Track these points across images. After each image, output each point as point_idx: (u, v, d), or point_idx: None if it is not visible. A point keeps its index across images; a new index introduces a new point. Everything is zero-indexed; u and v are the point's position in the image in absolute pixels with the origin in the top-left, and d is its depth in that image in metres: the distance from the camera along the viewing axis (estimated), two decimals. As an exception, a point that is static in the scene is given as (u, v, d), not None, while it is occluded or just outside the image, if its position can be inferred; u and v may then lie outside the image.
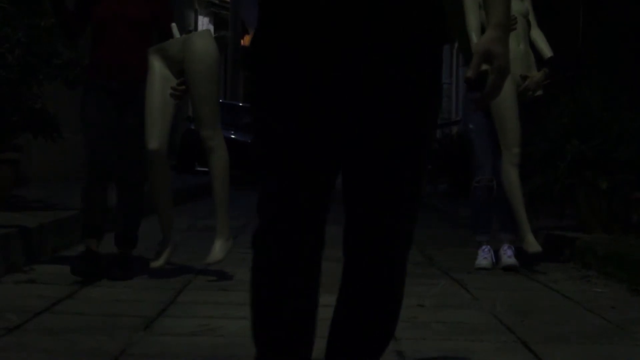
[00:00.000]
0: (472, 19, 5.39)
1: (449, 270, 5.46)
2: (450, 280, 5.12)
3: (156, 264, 4.76)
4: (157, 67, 4.60)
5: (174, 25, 4.74)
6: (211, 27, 24.45)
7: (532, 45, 5.72)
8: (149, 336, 3.40)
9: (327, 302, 2.13)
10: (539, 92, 5.65)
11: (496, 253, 5.63)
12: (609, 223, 6.35)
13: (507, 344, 3.46)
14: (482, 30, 5.31)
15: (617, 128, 6.27)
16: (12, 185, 6.61)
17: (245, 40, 27.00)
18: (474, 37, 5.35)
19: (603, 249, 5.56)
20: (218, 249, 4.68)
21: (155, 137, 4.55)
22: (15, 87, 5.98)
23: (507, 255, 5.53)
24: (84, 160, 4.76)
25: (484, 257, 5.59)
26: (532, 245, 5.31)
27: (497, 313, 4.09)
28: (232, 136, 16.26)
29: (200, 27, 24.08)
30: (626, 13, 9.41)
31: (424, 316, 3.96)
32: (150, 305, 3.99)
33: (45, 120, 6.16)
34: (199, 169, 16.45)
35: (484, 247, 5.63)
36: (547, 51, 5.75)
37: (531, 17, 5.75)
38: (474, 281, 5.07)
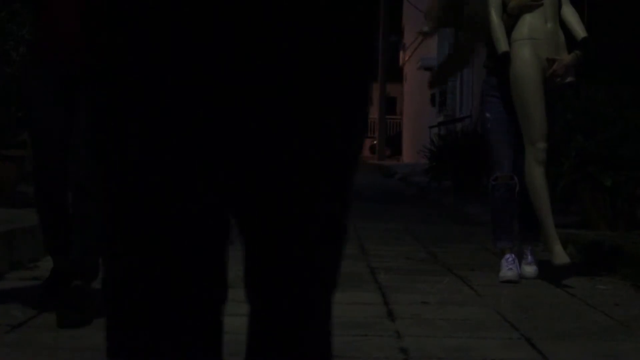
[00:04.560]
0: None
1: (453, 267, 5.46)
2: (454, 277, 5.12)
3: None
4: None
5: None
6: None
7: (562, 25, 5.02)
8: (153, 333, 3.40)
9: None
10: (570, 79, 4.98)
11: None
12: (613, 219, 6.35)
13: (511, 341, 3.46)
14: (504, 8, 4.92)
15: (621, 124, 6.27)
16: (16, 182, 6.63)
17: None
18: (494, 16, 4.89)
19: (607, 246, 5.56)
20: None
21: None
22: (20, 84, 5.99)
23: (528, 262, 5.05)
24: (32, 179, 3.75)
25: (508, 267, 4.94)
26: (560, 256, 4.77)
27: (501, 310, 4.09)
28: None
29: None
30: (631, 9, 9.40)
31: (428, 313, 3.96)
32: (155, 302, 3.99)
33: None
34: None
35: (507, 256, 4.99)
36: (580, 31, 4.98)
37: None
38: (478, 278, 5.07)
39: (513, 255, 5.00)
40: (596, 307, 4.22)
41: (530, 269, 5.01)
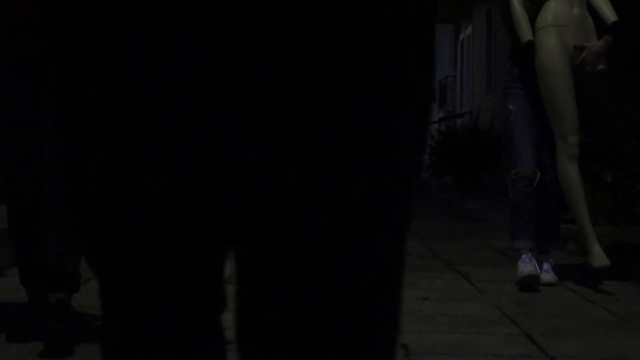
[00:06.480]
0: None
1: (453, 263, 5.46)
2: (455, 273, 5.12)
3: None
4: None
5: None
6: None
7: (590, 9, 4.70)
8: (153, 329, 3.39)
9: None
10: (601, 66, 4.68)
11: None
12: (613, 215, 6.34)
13: (511, 337, 3.46)
14: None
15: (622, 121, 6.27)
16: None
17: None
18: (516, 3, 4.60)
19: (608, 242, 5.55)
20: None
21: None
22: None
23: (544, 270, 4.74)
24: (3, 180, 3.24)
25: (524, 265, 4.62)
26: (600, 258, 4.45)
27: (501, 305, 4.09)
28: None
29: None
30: (632, 6, 9.39)
31: (429, 309, 3.96)
32: (155, 299, 3.99)
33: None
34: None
35: (524, 256, 4.65)
36: (609, 15, 4.65)
37: None
38: (479, 274, 5.07)
39: (529, 255, 4.67)
40: (597, 303, 4.22)
41: (548, 276, 4.72)
